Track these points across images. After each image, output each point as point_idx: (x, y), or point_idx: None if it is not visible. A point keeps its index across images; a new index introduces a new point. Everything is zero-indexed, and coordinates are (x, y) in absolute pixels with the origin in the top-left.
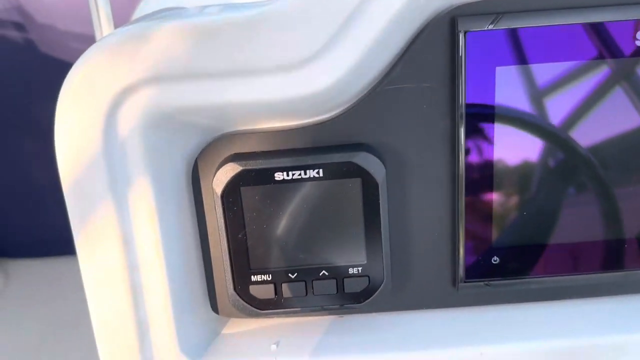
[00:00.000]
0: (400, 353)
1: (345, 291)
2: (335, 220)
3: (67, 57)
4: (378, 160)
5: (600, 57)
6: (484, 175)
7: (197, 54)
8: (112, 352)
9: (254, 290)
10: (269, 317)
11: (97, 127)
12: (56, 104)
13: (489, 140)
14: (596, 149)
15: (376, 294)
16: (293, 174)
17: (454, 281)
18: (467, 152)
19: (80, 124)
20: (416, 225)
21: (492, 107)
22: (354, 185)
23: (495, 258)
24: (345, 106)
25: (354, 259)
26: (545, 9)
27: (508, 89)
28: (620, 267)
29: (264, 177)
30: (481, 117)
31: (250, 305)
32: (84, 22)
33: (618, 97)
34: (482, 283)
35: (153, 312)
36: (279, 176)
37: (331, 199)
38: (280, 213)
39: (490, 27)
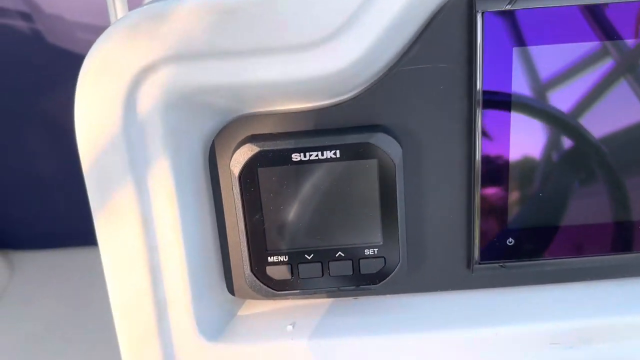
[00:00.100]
0: (415, 334)
1: (361, 272)
2: (352, 201)
3: (74, 48)
4: (395, 142)
5: (619, 38)
6: (500, 158)
7: (217, 33)
8: (130, 332)
9: (270, 271)
10: (285, 299)
11: (117, 107)
12: (63, 94)
13: (506, 122)
14: (608, 136)
15: (392, 275)
16: (310, 155)
17: (469, 263)
18: (484, 133)
19: (100, 104)
20: (431, 206)
21: (509, 89)
22: (371, 166)
23: (510, 240)
24: (362, 87)
25: (370, 240)
26: None
27: (525, 70)
28: (633, 249)
29: (281, 158)
30: (498, 99)
31: (267, 286)
32: (92, 12)
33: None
34: (497, 265)
35: (171, 292)
36: (296, 157)
37: (348, 180)
38: (296, 194)
39: (508, 7)
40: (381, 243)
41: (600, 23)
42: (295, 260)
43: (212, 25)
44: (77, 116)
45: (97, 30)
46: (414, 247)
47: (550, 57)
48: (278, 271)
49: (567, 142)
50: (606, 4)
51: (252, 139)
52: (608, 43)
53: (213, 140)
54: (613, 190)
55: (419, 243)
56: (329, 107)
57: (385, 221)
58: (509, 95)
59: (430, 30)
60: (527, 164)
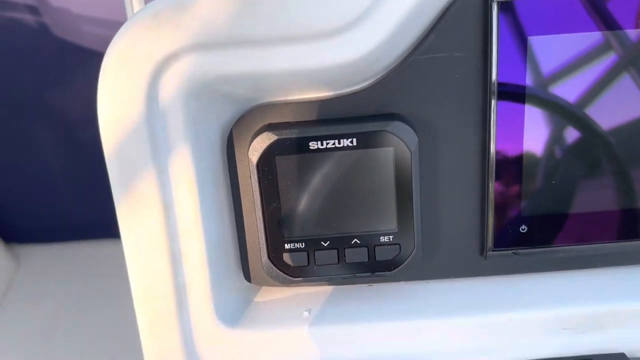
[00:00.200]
0: (429, 320)
1: (377, 259)
2: (368, 189)
3: (81, 42)
4: (411, 130)
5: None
6: (514, 147)
7: (238, 21)
8: (150, 317)
9: (287, 258)
10: (301, 285)
11: (140, 96)
12: (70, 88)
13: (520, 112)
14: (617, 126)
15: (407, 261)
16: (327, 143)
17: (482, 250)
18: (499, 123)
19: (123, 91)
20: (446, 194)
21: (523, 80)
22: (387, 154)
23: (523, 227)
24: (379, 76)
25: (385, 227)
26: None
27: (540, 59)
28: None
29: (298, 146)
30: (512, 90)
31: (284, 272)
32: (98, 5)
33: None
34: (510, 252)
35: (191, 278)
36: (313, 145)
37: (364, 168)
38: (313, 182)
39: None
40: (396, 230)
41: (616, 12)
42: (311, 247)
43: (234, 14)
44: (100, 104)
45: (103, 23)
46: (428, 234)
47: (565, 45)
48: (295, 258)
49: (579, 132)
50: None
51: (270, 127)
52: (625, 32)
53: (231, 130)
54: (623, 179)
55: (433, 230)
56: (346, 96)
57: (400, 208)
58: (523, 86)
59: (446, 20)
60: (540, 153)
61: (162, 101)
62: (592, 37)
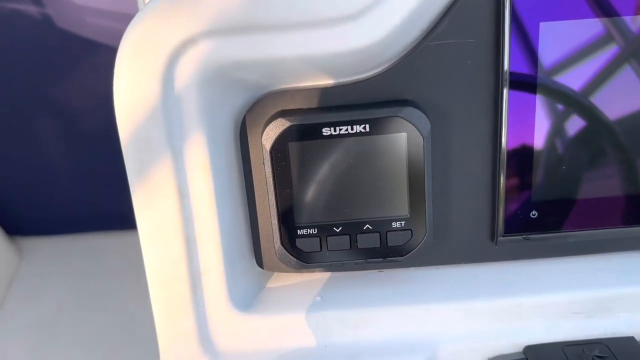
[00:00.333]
0: (440, 304)
1: (389, 245)
2: (380, 175)
3: (84, 33)
4: (424, 115)
5: None
6: (525, 134)
7: (253, 7)
8: (165, 302)
9: (300, 243)
10: (313, 271)
11: (156, 82)
12: (74, 79)
13: (531, 99)
14: (623, 114)
15: (418, 247)
16: (340, 129)
17: (493, 235)
18: (510, 110)
19: (139, 77)
20: (457, 180)
21: (535, 67)
22: (400, 140)
23: (533, 212)
24: (391, 62)
25: (397, 213)
26: None
27: (551, 45)
28: None
29: (311, 132)
30: (524, 78)
31: (296, 258)
32: None
33: None
34: (520, 237)
35: (205, 264)
36: (326, 131)
37: (376, 154)
38: (326, 168)
39: None
40: (408, 216)
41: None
42: (324, 233)
43: (248, 0)
44: (116, 91)
45: (107, 15)
46: (440, 220)
47: (576, 31)
48: (307, 243)
49: (587, 120)
50: None
51: (283, 114)
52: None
53: (244, 116)
54: (631, 166)
55: (444, 216)
56: (359, 82)
57: (412, 194)
58: (535, 75)
59: (458, 5)
60: (551, 140)
61: (178, 87)
62: (600, 23)
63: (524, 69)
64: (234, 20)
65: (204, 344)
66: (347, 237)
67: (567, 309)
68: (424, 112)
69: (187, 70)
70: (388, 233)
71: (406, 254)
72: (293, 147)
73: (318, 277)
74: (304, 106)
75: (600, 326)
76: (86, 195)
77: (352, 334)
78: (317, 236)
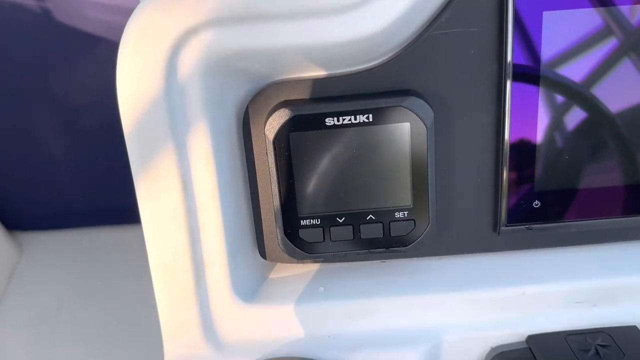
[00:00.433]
0: (443, 294)
1: (392, 235)
2: (383, 165)
3: (84, 27)
4: (427, 105)
5: None
6: (528, 124)
7: None
8: (168, 291)
9: (303, 234)
10: (316, 262)
11: (159, 72)
12: (73, 73)
13: (534, 89)
14: (623, 106)
15: (421, 237)
16: (343, 120)
17: (496, 225)
18: (513, 101)
19: (142, 67)
20: (460, 170)
21: (538, 56)
22: (403, 129)
23: (536, 202)
24: (394, 52)
25: (400, 203)
26: None
27: (554, 36)
28: None
29: (315, 122)
30: (527, 70)
31: (299, 248)
32: None
33: None
34: (523, 227)
35: (209, 254)
36: (329, 121)
37: (379, 144)
38: (329, 158)
39: None
40: (411, 206)
41: None
42: (327, 223)
43: None
44: (119, 81)
45: (108, 8)
46: (442, 210)
47: (580, 21)
48: (310, 234)
49: (588, 112)
50: None
51: (286, 104)
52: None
53: (247, 106)
54: (633, 156)
55: (447, 206)
56: (362, 72)
57: (415, 184)
58: (537, 65)
59: None
60: (553, 131)
61: (180, 77)
62: (601, 15)
63: (526, 60)
64: (236, 9)
65: (207, 334)
66: (350, 227)
67: (569, 298)
68: (427, 102)
69: (189, 61)
70: (391, 223)
71: (409, 244)
72: (296, 137)
73: (321, 268)
74: (307, 96)
75: (603, 315)
76: (86, 190)
77: (355, 324)
78: (320, 227)
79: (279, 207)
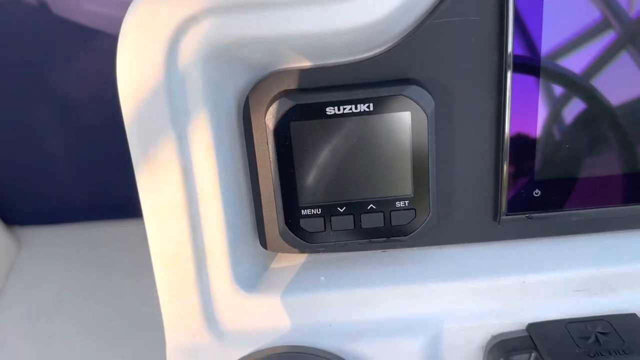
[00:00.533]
0: (444, 283)
1: (392, 224)
2: (384, 154)
3: (82, 20)
4: (428, 94)
5: None
6: (528, 112)
7: None
8: (170, 281)
9: (304, 223)
10: (317, 251)
11: (159, 59)
12: (70, 67)
13: (535, 78)
14: (623, 98)
15: (422, 226)
16: (344, 109)
17: (496, 215)
18: (514, 90)
19: (142, 56)
20: (460, 159)
21: (539, 46)
22: (404, 118)
23: (536, 191)
24: (395, 41)
25: (401, 193)
26: None
27: (555, 25)
28: None
29: (315, 111)
30: (527, 62)
31: (300, 238)
32: None
33: None
34: (523, 216)
35: (210, 243)
36: (330, 111)
37: (380, 133)
38: (330, 147)
39: None
40: (412, 195)
41: None
42: (327, 213)
43: None
44: (119, 70)
45: (105, 2)
46: (443, 199)
47: (581, 9)
48: (311, 224)
49: (588, 102)
50: None
51: (287, 93)
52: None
53: (247, 96)
54: (632, 146)
55: (448, 195)
56: (362, 61)
57: (416, 173)
58: (538, 55)
59: None
60: (553, 120)
61: (181, 66)
62: (599, 8)
63: (527, 51)
64: None
65: (209, 323)
66: (351, 216)
67: (570, 286)
68: (428, 90)
69: (190, 49)
70: (392, 213)
71: (410, 234)
72: (296, 126)
73: (321, 258)
74: (307, 86)
75: (603, 303)
76: (84, 184)
77: (356, 313)
78: (321, 216)
79: (279, 196)
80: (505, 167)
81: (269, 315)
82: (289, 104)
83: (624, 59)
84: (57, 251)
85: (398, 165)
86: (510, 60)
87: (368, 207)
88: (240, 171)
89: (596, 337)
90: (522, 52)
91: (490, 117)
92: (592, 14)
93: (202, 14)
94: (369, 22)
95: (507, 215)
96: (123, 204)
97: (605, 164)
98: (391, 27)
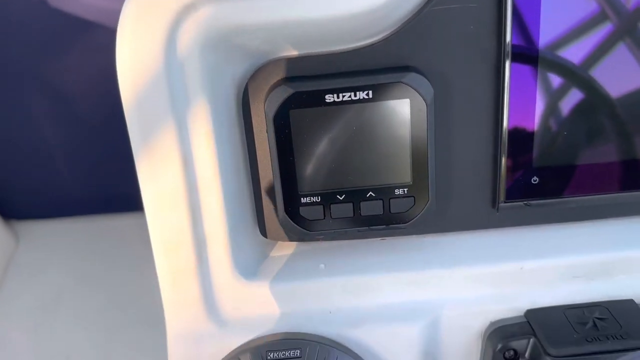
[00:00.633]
0: (443, 270)
1: (392, 212)
2: (383, 142)
3: (80, 13)
4: (427, 81)
5: None
6: (527, 100)
7: None
8: (170, 269)
9: (304, 211)
10: (317, 239)
11: (158, 47)
12: (67, 59)
13: (533, 66)
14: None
15: (421, 213)
16: (343, 96)
17: (494, 202)
18: (512, 78)
19: (141, 44)
20: (459, 147)
21: (537, 32)
22: (403, 106)
23: (534, 178)
24: (394, 28)
25: (400, 180)
26: None
27: (553, 12)
28: None
29: (315, 99)
30: (526, 47)
31: (300, 226)
32: None
33: None
34: (521, 203)
35: (210, 231)
36: (329, 98)
37: (380, 121)
38: (329, 135)
39: None
40: (411, 183)
41: None
42: (327, 201)
43: None
44: (119, 57)
45: None
46: (441, 187)
47: (576, 2)
48: (311, 211)
49: (586, 92)
50: None
51: (286, 81)
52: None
53: (246, 84)
54: (629, 134)
55: (446, 183)
56: (361, 49)
57: (415, 161)
58: (536, 44)
59: None
60: (552, 108)
61: (180, 54)
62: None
63: (525, 41)
64: None
65: (209, 310)
66: (351, 204)
67: (568, 273)
68: (427, 78)
69: (188, 37)
70: (391, 200)
71: (409, 221)
72: (296, 114)
73: (321, 246)
74: (307, 73)
75: (601, 289)
76: (82, 178)
77: (356, 300)
78: (320, 204)
79: (279, 184)
80: (503, 155)
81: (269, 302)
82: (288, 91)
83: (620, 50)
84: (55, 245)
85: (397, 152)
86: (509, 49)
87: (367, 195)
88: (240, 159)
89: (594, 322)
90: (520, 42)
91: (488, 105)
92: (589, 5)
93: (200, 1)
94: (368, 9)
95: (505, 202)
96: (121, 197)
97: (602, 152)
98: (390, 14)
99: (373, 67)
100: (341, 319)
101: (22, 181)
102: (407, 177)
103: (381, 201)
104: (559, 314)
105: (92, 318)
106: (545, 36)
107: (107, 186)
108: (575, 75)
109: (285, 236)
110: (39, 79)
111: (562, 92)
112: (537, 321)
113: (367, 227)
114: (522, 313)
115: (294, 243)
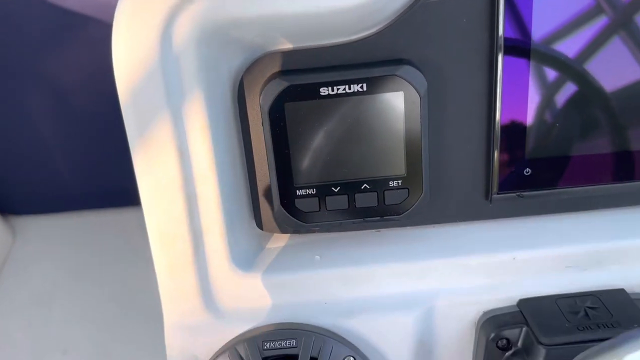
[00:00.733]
0: (437, 261)
1: (386, 203)
2: (377, 134)
3: (77, 8)
4: (420, 74)
5: None
6: (519, 92)
7: None
8: (167, 260)
9: (299, 203)
10: (312, 231)
11: (154, 40)
12: (65, 55)
13: (526, 59)
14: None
15: (415, 205)
16: (338, 89)
17: (488, 193)
18: (505, 71)
19: (137, 37)
20: (452, 139)
21: (530, 24)
22: (397, 98)
23: (527, 170)
24: (387, 21)
25: (394, 172)
26: None
27: (547, 5)
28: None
29: (309, 92)
30: (518, 40)
31: (295, 218)
32: None
33: None
34: (514, 194)
35: (206, 223)
36: (324, 91)
37: (374, 113)
38: (324, 128)
39: None
40: (405, 175)
41: None
42: (322, 193)
43: None
44: (115, 50)
45: None
46: (435, 179)
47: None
48: (306, 204)
49: (579, 84)
50: None
51: (281, 74)
52: None
53: (242, 77)
54: (621, 125)
55: (441, 175)
56: (355, 42)
57: (409, 153)
58: (528, 38)
59: None
60: (544, 100)
61: (176, 47)
62: None
63: (517, 34)
64: None
65: (206, 301)
66: (345, 196)
67: (560, 263)
68: (420, 71)
69: (184, 30)
70: (385, 192)
71: (403, 213)
72: (291, 107)
73: (316, 238)
74: (301, 67)
75: (592, 279)
76: (80, 173)
77: (351, 290)
78: (315, 196)
79: (274, 177)
80: (496, 147)
81: (265, 293)
82: (283, 84)
83: (615, 43)
84: (52, 240)
85: (391, 145)
86: (501, 42)
87: (362, 187)
88: (236, 152)
89: (585, 311)
90: (512, 35)
91: (482, 97)
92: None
93: None
94: (362, 2)
95: (498, 194)
96: (118, 192)
97: (595, 144)
98: (384, 7)
99: (367, 60)
100: (336, 309)
101: (18, 176)
102: (401, 169)
103: (376, 193)
104: (551, 304)
105: (89, 312)
106: (538, 29)
107: (104, 181)
108: (569, 69)
109: (281, 228)
110: (36, 74)
111: (555, 85)
112: (529, 310)
113: (362, 219)
114: (514, 303)
115: (290, 235)
